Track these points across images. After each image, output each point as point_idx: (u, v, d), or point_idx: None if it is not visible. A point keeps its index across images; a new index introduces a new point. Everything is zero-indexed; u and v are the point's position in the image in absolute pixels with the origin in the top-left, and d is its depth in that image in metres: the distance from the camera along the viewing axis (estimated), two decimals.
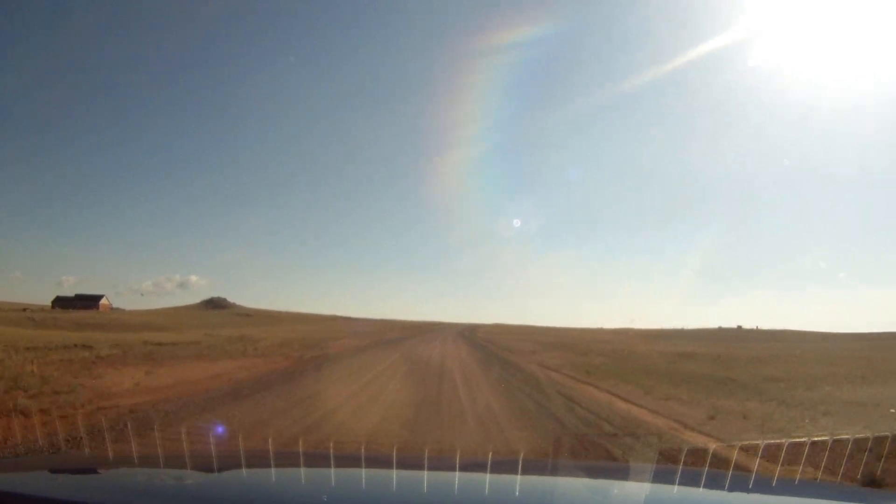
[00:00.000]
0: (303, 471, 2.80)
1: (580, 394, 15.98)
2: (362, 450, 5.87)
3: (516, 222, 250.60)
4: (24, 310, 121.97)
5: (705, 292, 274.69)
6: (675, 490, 2.49)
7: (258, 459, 3.10)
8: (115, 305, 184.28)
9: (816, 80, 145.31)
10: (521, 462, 3.03)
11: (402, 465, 2.82)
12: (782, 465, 5.96)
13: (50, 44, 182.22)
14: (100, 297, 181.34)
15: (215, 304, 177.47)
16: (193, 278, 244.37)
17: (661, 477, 2.79)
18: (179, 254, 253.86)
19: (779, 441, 8.15)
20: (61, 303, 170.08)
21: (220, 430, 9.02)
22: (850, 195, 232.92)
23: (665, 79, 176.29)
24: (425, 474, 2.65)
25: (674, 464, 7.01)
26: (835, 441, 7.25)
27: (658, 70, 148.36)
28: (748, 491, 2.52)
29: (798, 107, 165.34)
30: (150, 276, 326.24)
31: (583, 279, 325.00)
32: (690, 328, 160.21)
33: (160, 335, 44.12)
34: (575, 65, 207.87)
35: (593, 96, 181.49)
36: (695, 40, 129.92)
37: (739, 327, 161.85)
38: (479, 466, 3.02)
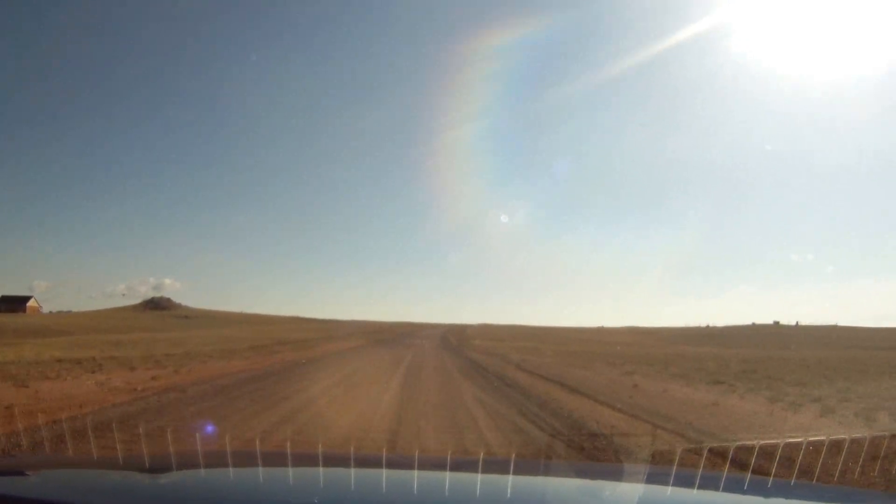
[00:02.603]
0: (291, 471, 2.63)
1: None
2: (351, 450, 5.33)
3: (503, 218, 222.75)
4: None
5: (690, 288, 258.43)
6: (669, 491, 2.41)
7: (246, 459, 3.08)
8: (84, 308, 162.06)
9: (804, 68, 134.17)
10: (512, 462, 2.88)
11: (392, 465, 2.81)
12: None
13: (23, 43, 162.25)
14: (27, 299, 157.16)
15: (156, 305, 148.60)
16: (167, 281, 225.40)
17: (655, 478, 2.62)
18: (155, 257, 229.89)
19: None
20: None
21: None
22: (837, 187, 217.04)
23: (644, 70, 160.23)
24: (415, 474, 2.49)
25: (668, 465, 6.53)
26: None
27: (636, 61, 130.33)
28: (742, 492, 2.42)
29: (786, 96, 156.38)
30: (125, 279, 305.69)
31: (568, 276, 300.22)
32: (720, 325, 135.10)
33: None
34: (559, 55, 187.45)
35: (577, 87, 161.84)
36: (677, 26, 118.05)
37: (777, 323, 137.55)
38: (470, 466, 2.86)
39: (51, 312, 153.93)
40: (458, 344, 49.73)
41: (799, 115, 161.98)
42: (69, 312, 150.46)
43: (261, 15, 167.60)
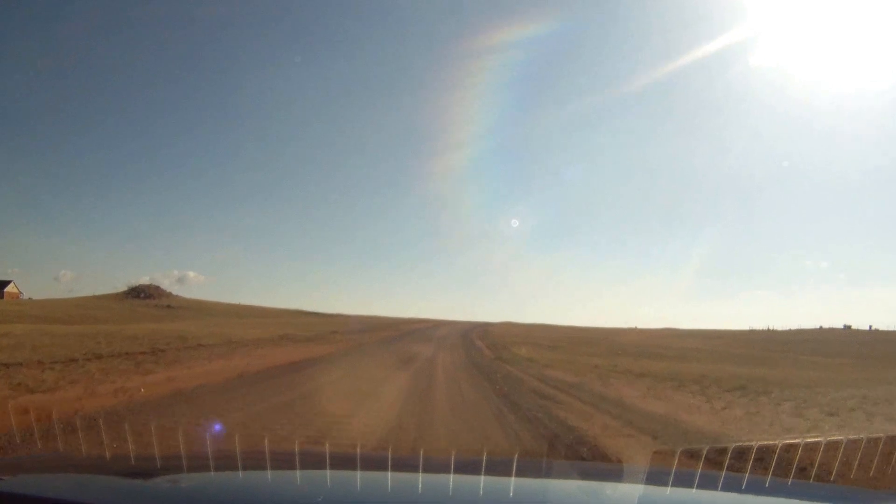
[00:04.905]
0: (298, 472, 2.60)
1: None
2: (357, 451, 5.13)
3: (514, 222, 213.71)
4: None
5: (711, 291, 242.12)
6: (669, 491, 2.36)
7: (254, 460, 2.94)
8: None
9: (819, 81, 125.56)
10: (515, 463, 2.87)
11: (397, 466, 2.77)
12: None
13: (45, 40, 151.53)
14: (6, 284, 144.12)
15: (139, 294, 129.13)
16: (191, 274, 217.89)
17: (655, 478, 2.54)
18: (178, 250, 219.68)
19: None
20: None
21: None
22: (851, 196, 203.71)
23: (665, 79, 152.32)
24: (420, 476, 2.52)
25: (668, 465, 5.91)
26: None
27: (657, 70, 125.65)
28: (741, 492, 2.38)
29: (801, 107, 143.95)
30: (149, 271, 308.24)
31: (589, 277, 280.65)
32: (781, 329, 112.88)
33: None
34: (573, 64, 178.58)
35: (592, 96, 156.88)
36: (695, 41, 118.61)
37: (848, 327, 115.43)
38: (473, 467, 2.81)
39: (30, 299, 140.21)
40: (495, 357, 28.35)
41: (819, 125, 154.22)
42: (44, 300, 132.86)
43: (279, 16, 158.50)
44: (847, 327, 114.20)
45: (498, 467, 2.93)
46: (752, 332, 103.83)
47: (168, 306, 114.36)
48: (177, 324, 59.49)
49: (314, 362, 21.29)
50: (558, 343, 47.90)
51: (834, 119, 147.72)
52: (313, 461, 3.02)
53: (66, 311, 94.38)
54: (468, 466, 2.84)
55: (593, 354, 33.50)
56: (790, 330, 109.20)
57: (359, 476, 2.44)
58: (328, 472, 2.52)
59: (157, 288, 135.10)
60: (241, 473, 2.49)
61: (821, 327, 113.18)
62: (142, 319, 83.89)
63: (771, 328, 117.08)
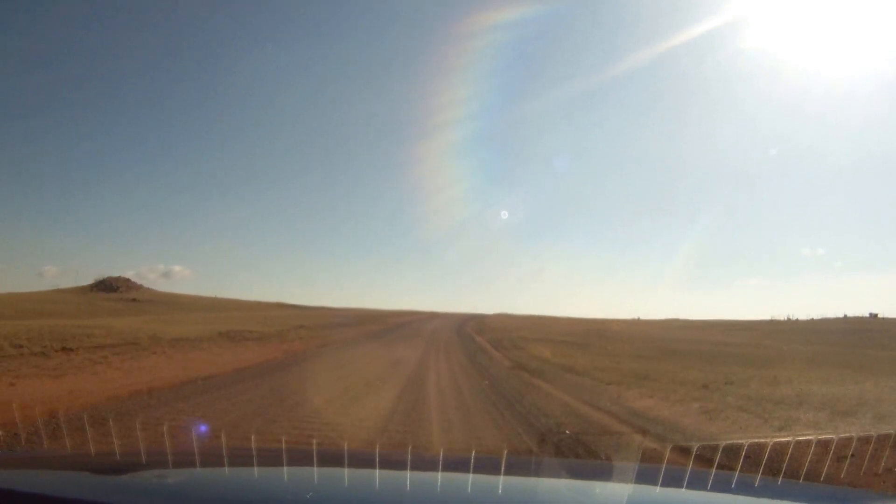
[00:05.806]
0: (286, 469, 2.55)
1: None
2: (345, 448, 5.03)
3: (504, 213, 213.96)
4: None
5: (705, 280, 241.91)
6: (658, 490, 2.33)
7: (241, 458, 2.83)
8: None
9: (813, 64, 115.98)
10: (504, 461, 2.85)
11: (386, 463, 2.70)
12: None
13: (32, 31, 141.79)
14: None
15: (105, 287, 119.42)
16: (177, 268, 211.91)
17: (644, 476, 2.51)
18: (166, 244, 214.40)
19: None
20: None
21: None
22: (846, 183, 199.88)
23: (655, 63, 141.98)
24: (408, 473, 2.44)
25: (657, 463, 6.21)
26: None
27: (647, 54, 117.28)
28: (730, 491, 2.37)
29: (795, 90, 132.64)
30: (134, 266, 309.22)
31: (582, 268, 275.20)
32: (805, 318, 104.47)
33: None
34: (561, 49, 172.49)
35: (581, 80, 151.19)
36: (685, 22, 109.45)
37: (875, 316, 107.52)
38: (462, 465, 2.71)
39: None
40: (512, 365, 18.89)
41: (814, 111, 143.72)
42: (9, 294, 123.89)
43: (263, 3, 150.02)
44: (874, 316, 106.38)
45: (487, 465, 2.89)
46: (774, 322, 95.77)
47: (133, 300, 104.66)
48: (118, 319, 50.43)
49: (209, 387, 12.01)
50: (576, 338, 38.86)
51: (828, 103, 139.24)
52: (301, 458, 2.96)
53: (16, 306, 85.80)
54: (457, 464, 2.76)
55: (641, 356, 24.41)
56: (814, 319, 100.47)
57: (347, 473, 2.40)
58: (316, 470, 2.49)
59: (127, 281, 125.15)
60: (227, 470, 2.41)
61: (845, 316, 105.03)
62: (97, 314, 75.46)
63: (793, 318, 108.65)
